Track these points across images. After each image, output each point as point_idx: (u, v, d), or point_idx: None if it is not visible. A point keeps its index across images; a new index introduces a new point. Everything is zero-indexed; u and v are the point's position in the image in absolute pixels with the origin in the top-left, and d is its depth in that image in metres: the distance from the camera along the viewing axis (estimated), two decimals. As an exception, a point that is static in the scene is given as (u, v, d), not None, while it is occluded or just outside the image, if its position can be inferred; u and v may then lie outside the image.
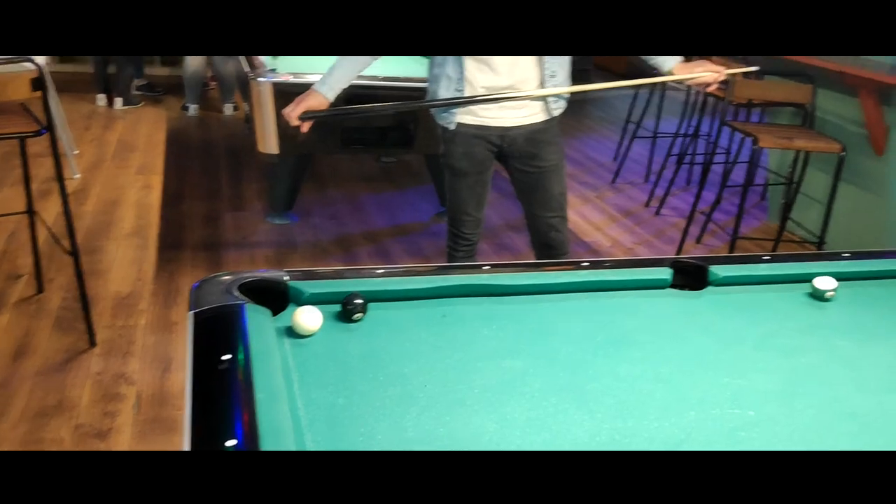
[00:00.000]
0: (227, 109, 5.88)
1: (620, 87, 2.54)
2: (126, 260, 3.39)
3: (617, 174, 5.16)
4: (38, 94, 2.49)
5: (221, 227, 3.84)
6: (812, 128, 3.76)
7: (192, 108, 5.81)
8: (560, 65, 2.35)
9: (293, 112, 2.26)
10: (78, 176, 4.30)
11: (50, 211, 3.64)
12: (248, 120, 4.72)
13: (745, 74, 3.31)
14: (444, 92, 2.32)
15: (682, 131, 4.88)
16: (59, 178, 2.66)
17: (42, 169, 4.05)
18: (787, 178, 3.93)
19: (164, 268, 3.33)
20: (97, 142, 4.99)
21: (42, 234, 3.10)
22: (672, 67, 2.39)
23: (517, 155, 2.42)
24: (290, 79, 3.44)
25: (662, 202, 4.60)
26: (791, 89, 3.80)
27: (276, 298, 1.39)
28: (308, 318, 1.29)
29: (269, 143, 3.59)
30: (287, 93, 3.02)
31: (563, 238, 2.54)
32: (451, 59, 2.28)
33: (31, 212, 2.96)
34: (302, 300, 1.39)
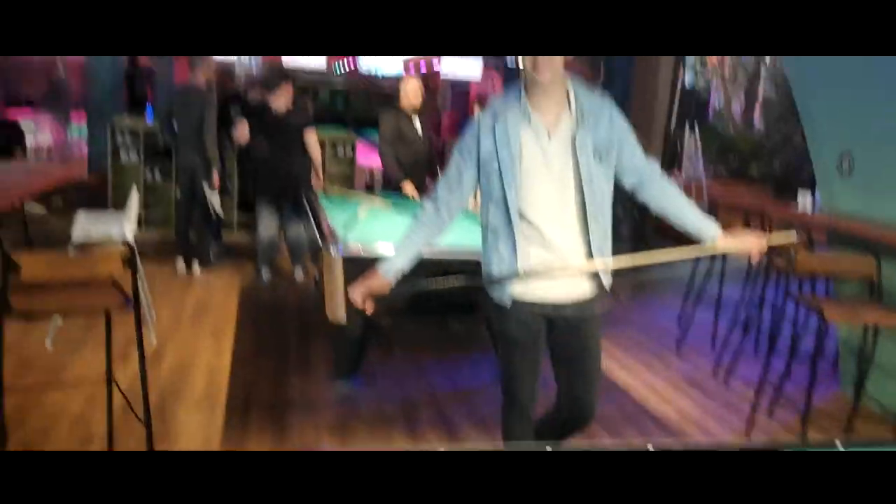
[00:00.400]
0: (298, 274, 6.13)
1: (665, 261, 2.60)
2: (195, 424, 3.46)
3: (682, 340, 5.10)
4: (129, 271, 2.67)
5: (288, 391, 3.91)
6: (880, 299, 3.70)
7: (265, 273, 6.07)
8: (604, 238, 2.43)
9: (357, 295, 2.39)
10: (154, 343, 4.48)
11: (126, 373, 3.78)
12: (318, 284, 4.90)
13: (792, 244, 3.30)
14: (497, 269, 2.41)
15: (747, 298, 4.85)
16: (141, 351, 2.79)
17: (121, 331, 4.24)
18: (858, 351, 3.83)
19: (230, 432, 3.38)
20: (174, 305, 5.23)
21: (118, 399, 3.21)
22: (714, 236, 2.44)
23: (563, 326, 2.47)
24: (360, 251, 3.59)
25: (730, 371, 4.51)
26: (854, 261, 3.79)
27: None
28: None
29: (337, 311, 3.71)
30: (356, 263, 3.18)
31: (590, 412, 2.56)
32: (501, 236, 2.38)
33: (109, 381, 3.09)
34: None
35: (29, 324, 4.33)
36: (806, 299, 3.74)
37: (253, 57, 10.16)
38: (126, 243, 2.67)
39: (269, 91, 5.96)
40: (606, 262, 2.43)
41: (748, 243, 2.44)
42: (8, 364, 3.86)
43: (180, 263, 6.15)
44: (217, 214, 6.31)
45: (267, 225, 6.00)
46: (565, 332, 2.48)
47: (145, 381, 2.80)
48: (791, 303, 4.14)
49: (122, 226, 4.28)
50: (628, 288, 6.72)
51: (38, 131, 9.86)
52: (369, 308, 2.41)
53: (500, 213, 2.37)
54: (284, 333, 4.85)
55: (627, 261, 2.48)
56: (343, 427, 3.56)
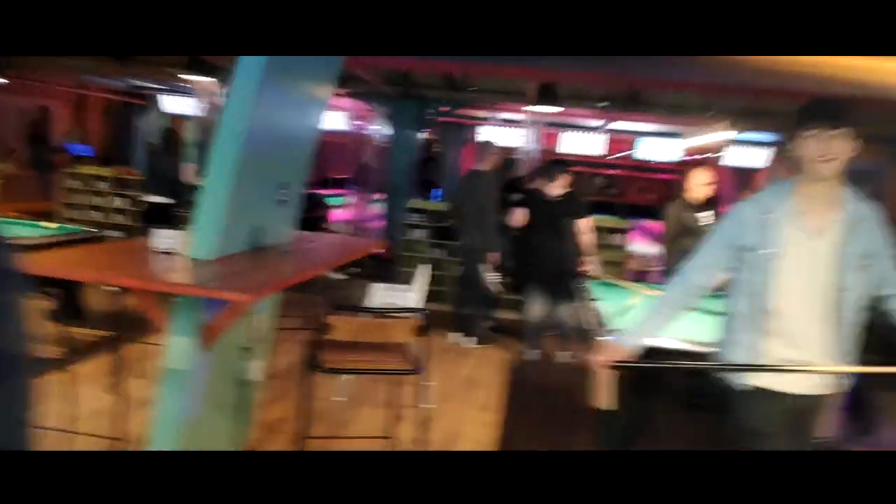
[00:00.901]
0: (565, 356, 6.18)
1: None
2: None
3: None
4: (418, 338, 2.91)
5: (548, 475, 3.92)
6: None
7: (534, 352, 6.21)
8: (851, 345, 2.40)
9: (598, 363, 2.45)
10: (431, 406, 4.76)
11: (401, 434, 4.05)
12: (585, 369, 4.91)
13: None
14: (739, 357, 2.41)
15: None
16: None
17: (399, 394, 4.57)
18: None
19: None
20: (448, 375, 5.52)
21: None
22: None
23: (793, 417, 2.43)
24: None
25: None
26: None
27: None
28: None
29: (603, 398, 3.70)
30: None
31: None
32: (749, 326, 2.38)
33: (388, 437, 3.34)
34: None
35: (326, 377, 4.83)
36: None
37: (533, 145, 10.64)
38: (420, 312, 2.90)
39: (547, 180, 6.23)
40: (849, 366, 2.42)
41: None
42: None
43: (454, 336, 6.50)
44: (493, 293, 6.61)
45: (536, 307, 6.17)
46: (797, 418, 2.45)
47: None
48: None
49: (414, 297, 4.67)
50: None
51: (339, 206, 11.13)
52: (605, 376, 2.53)
53: (746, 304, 2.40)
54: (549, 415, 4.89)
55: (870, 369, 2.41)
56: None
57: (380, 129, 11.00)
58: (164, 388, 3.15)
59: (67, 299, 5.28)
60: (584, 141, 13.40)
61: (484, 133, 11.09)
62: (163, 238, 3.43)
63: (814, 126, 2.23)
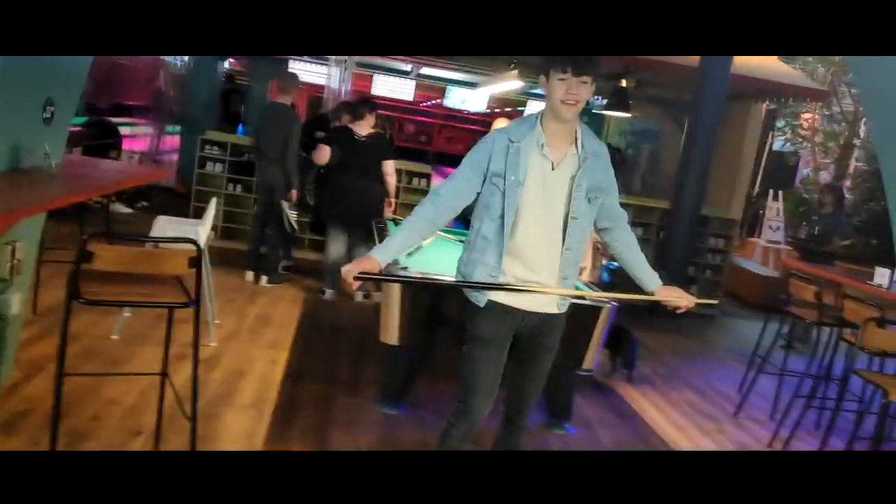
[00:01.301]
0: (359, 296, 6.22)
1: (617, 300, 3.19)
2: (239, 430, 3.54)
3: (740, 407, 4.94)
4: (193, 270, 2.77)
5: (333, 410, 3.95)
6: (955, 386, 3.52)
7: (329, 293, 6.19)
8: (574, 269, 2.68)
9: (350, 271, 2.51)
10: (214, 344, 4.62)
11: (181, 374, 3.89)
12: (377, 309, 4.97)
13: (865, 321, 3.20)
14: (480, 276, 2.60)
15: (813, 371, 4.67)
16: (195, 350, 2.88)
17: (182, 333, 4.38)
18: (927, 437, 3.63)
19: (272, 441, 3.44)
20: (238, 314, 5.38)
21: (169, 396, 3.31)
22: (655, 286, 2.72)
23: (526, 334, 2.69)
24: (419, 276, 3.65)
25: (786, 444, 4.33)
26: (930, 343, 3.62)
27: None
28: None
29: (390, 333, 3.77)
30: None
31: (528, 406, 2.82)
32: (491, 247, 2.57)
33: (164, 374, 3.20)
34: None
35: (100, 315, 4.53)
36: (870, 377, 3.58)
37: (343, 83, 10.46)
38: (195, 244, 2.77)
39: (354, 118, 6.16)
40: (574, 290, 2.71)
41: (679, 299, 2.68)
42: (73, 350, 4.08)
43: (249, 275, 6.33)
44: (292, 229, 6.48)
45: (336, 246, 6.14)
46: (529, 336, 2.69)
47: (196, 380, 2.89)
48: (858, 380, 3.97)
49: (202, 231, 4.45)
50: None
51: (134, 136, 10.37)
52: (355, 286, 2.72)
53: (495, 228, 2.58)
54: (339, 353, 4.92)
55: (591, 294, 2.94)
56: (381, 451, 3.57)
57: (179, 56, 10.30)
58: None
59: None
60: (396, 85, 13.41)
61: (293, 68, 10.73)
62: None
63: (564, 70, 2.45)
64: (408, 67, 11.85)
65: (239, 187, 7.82)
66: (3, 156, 3.25)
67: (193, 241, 2.77)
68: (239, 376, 4.21)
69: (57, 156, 3.66)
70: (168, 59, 10.43)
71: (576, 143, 2.58)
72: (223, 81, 10.78)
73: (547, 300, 2.65)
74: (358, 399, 4.17)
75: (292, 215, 6.39)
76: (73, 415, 3.37)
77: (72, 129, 9.21)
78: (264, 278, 6.30)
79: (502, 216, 2.55)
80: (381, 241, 4.83)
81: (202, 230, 4.45)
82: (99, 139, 9.10)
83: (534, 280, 2.60)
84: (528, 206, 2.55)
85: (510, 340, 2.70)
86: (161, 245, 3.72)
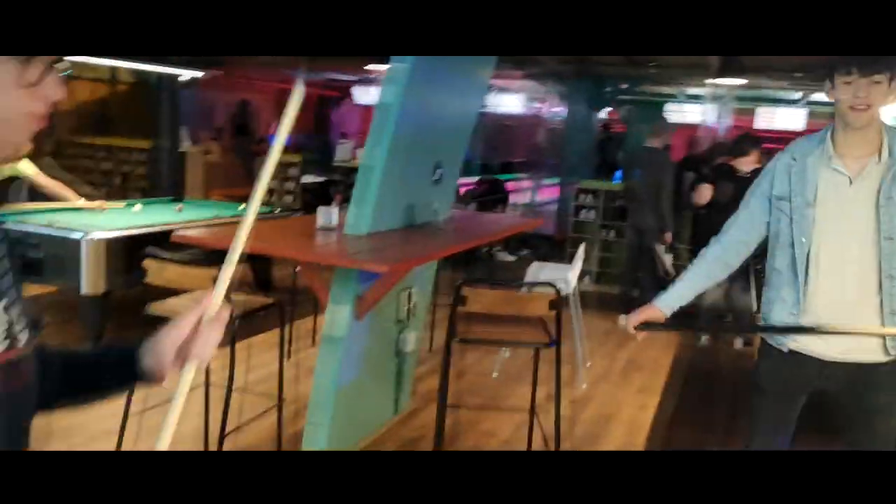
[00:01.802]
0: (738, 343, 5.86)
1: None
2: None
3: None
4: (553, 313, 2.92)
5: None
6: None
7: (704, 339, 5.94)
8: None
9: (631, 321, 2.40)
10: (584, 386, 4.73)
11: (553, 413, 4.06)
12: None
13: None
14: (778, 316, 2.28)
15: None
16: (557, 388, 3.01)
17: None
18: None
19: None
20: (609, 357, 5.44)
21: (538, 431, 3.47)
22: None
23: (837, 391, 2.28)
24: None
25: None
26: None
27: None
28: None
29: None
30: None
31: None
32: (786, 282, 2.26)
33: (532, 411, 3.38)
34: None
35: (484, 354, 4.96)
36: None
37: (721, 119, 10.10)
38: (555, 288, 2.91)
39: (736, 155, 5.89)
40: None
41: None
42: (460, 385, 4.52)
43: (622, 318, 6.36)
44: (665, 273, 6.40)
45: (714, 290, 5.89)
46: (845, 394, 2.27)
47: (558, 417, 3.00)
48: None
49: (570, 275, 4.65)
50: None
51: (518, 190, 11.23)
52: (640, 336, 2.45)
53: (787, 259, 2.26)
54: (712, 400, 4.68)
55: None
56: None
57: (556, 109, 10.95)
58: (321, 354, 3.40)
59: (258, 271, 5.81)
60: (781, 116, 12.50)
61: (669, 110, 10.69)
62: (323, 215, 3.68)
63: (849, 72, 2.10)
64: (797, 95, 10.99)
65: (612, 233, 7.96)
66: (401, 214, 3.78)
67: (553, 286, 2.91)
68: (608, 419, 4.25)
69: (444, 211, 4.15)
70: (546, 114, 11.15)
71: (879, 152, 2.18)
72: (600, 130, 11.16)
73: (868, 345, 2.21)
74: (731, 449, 3.91)
75: (667, 259, 6.32)
76: (456, 443, 3.73)
77: (466, 187, 10.30)
78: (637, 322, 6.28)
79: (793, 244, 2.24)
80: (757, 286, 4.55)
81: (571, 275, 4.64)
82: (489, 195, 10.05)
83: (845, 318, 2.18)
84: (824, 230, 2.20)
85: (801, 396, 2.32)
86: (534, 289, 3.97)
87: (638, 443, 3.93)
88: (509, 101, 11.96)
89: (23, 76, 0.92)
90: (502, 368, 4.81)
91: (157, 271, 3.07)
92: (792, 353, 2.29)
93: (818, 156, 2.24)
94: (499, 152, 12.37)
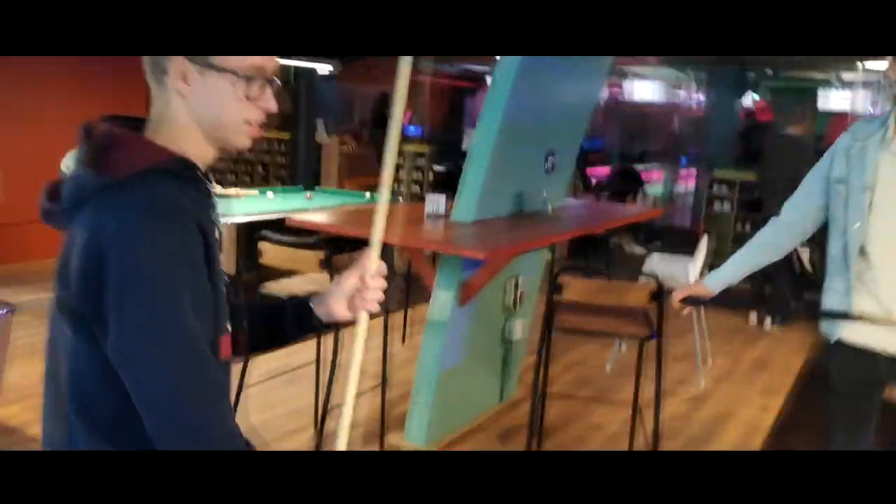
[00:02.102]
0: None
1: None
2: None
3: None
4: (653, 304, 2.82)
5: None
6: None
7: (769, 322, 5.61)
8: None
9: (675, 296, 2.33)
10: (703, 384, 4.54)
11: (664, 409, 3.93)
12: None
13: None
14: (829, 303, 2.19)
15: None
16: (657, 385, 2.91)
17: (673, 370, 4.43)
18: None
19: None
20: (734, 356, 5.19)
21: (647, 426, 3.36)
22: None
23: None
24: None
25: None
26: None
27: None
28: None
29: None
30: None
31: None
32: (839, 269, 2.14)
33: (634, 408, 3.29)
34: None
35: (601, 347, 4.87)
36: None
37: (877, 104, 9.33)
38: (657, 279, 2.82)
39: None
40: None
41: None
42: (570, 376, 4.48)
43: (752, 316, 6.05)
44: (801, 269, 6.02)
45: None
46: None
47: (657, 416, 2.91)
48: None
49: (687, 267, 4.48)
50: None
51: (654, 181, 10.88)
52: (685, 311, 2.39)
53: (841, 245, 2.13)
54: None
55: None
56: None
57: (697, 96, 10.51)
58: (425, 338, 3.47)
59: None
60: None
61: (819, 97, 10.02)
62: (431, 202, 3.75)
63: None
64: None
65: (747, 225, 7.57)
66: (509, 202, 3.78)
67: (655, 277, 2.82)
68: (725, 419, 4.06)
69: (557, 200, 4.11)
70: (687, 101, 10.72)
71: None
72: (743, 118, 10.60)
73: None
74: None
75: (804, 254, 5.93)
76: (560, 433, 3.70)
77: (599, 177, 10.10)
78: (768, 320, 5.94)
79: (846, 230, 2.10)
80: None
81: (691, 267, 4.47)
82: (623, 185, 9.82)
83: (891, 311, 2.06)
84: (882, 216, 2.05)
85: (875, 394, 2.16)
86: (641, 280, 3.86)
87: (753, 444, 3.74)
88: (648, 89, 11.61)
89: (247, 91, 1.13)
90: (616, 362, 4.70)
91: (271, 253, 3.23)
92: (856, 349, 2.16)
93: (879, 138, 2.09)
94: (637, 141, 12.03)
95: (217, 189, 4.12)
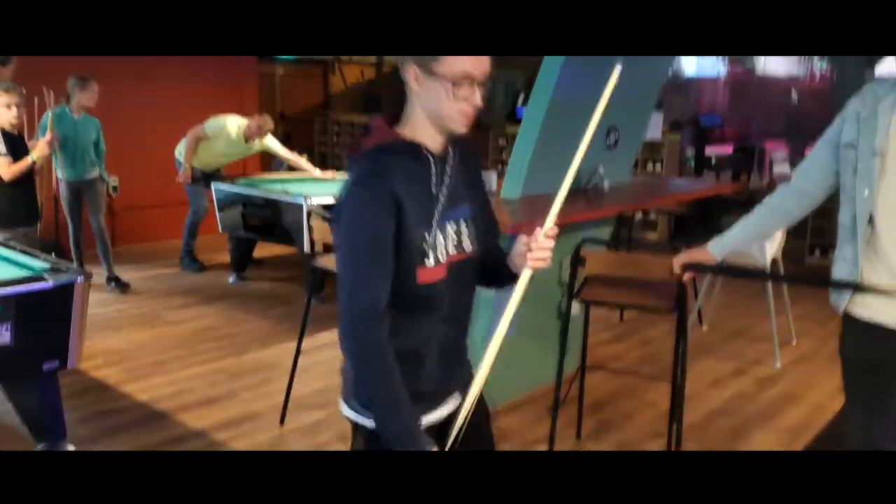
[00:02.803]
0: None
1: None
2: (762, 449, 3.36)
3: None
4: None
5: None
6: None
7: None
8: None
9: (677, 261, 2.36)
10: (778, 365, 4.39)
11: (729, 387, 3.87)
12: None
13: None
14: (838, 273, 2.12)
15: None
16: (675, 362, 2.90)
17: (753, 351, 4.31)
18: None
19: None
20: (819, 339, 4.96)
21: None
22: None
23: None
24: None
25: None
26: None
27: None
28: None
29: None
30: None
31: None
32: (848, 238, 2.07)
33: (674, 382, 3.28)
34: None
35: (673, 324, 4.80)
36: None
37: None
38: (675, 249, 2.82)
39: None
40: None
41: None
42: (638, 353, 4.47)
43: (675, 259, 5.70)
44: None
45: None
46: None
47: (682, 389, 2.90)
48: None
49: (768, 247, 4.33)
50: None
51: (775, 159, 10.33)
52: (686, 277, 2.42)
53: (850, 212, 2.05)
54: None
55: None
56: None
57: (822, 66, 9.88)
58: (474, 310, 3.59)
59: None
60: None
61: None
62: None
63: None
64: None
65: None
66: (561, 178, 3.83)
67: (677, 249, 2.81)
68: (791, 400, 3.94)
69: (621, 175, 4.11)
70: (810, 73, 10.11)
71: None
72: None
73: None
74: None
75: None
76: (611, 408, 3.74)
77: (719, 154, 9.73)
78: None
79: (856, 199, 2.00)
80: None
81: (768, 244, 4.32)
82: (739, 162, 9.40)
83: None
84: (892, 183, 1.96)
85: (891, 372, 2.01)
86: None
87: (814, 426, 3.62)
88: (771, 63, 11.02)
89: (457, 91, 1.44)
90: (690, 341, 4.62)
91: (320, 229, 3.47)
92: (855, 319, 2.08)
93: (891, 101, 1.97)
94: (757, 117, 11.48)
95: (316, 172, 4.52)
